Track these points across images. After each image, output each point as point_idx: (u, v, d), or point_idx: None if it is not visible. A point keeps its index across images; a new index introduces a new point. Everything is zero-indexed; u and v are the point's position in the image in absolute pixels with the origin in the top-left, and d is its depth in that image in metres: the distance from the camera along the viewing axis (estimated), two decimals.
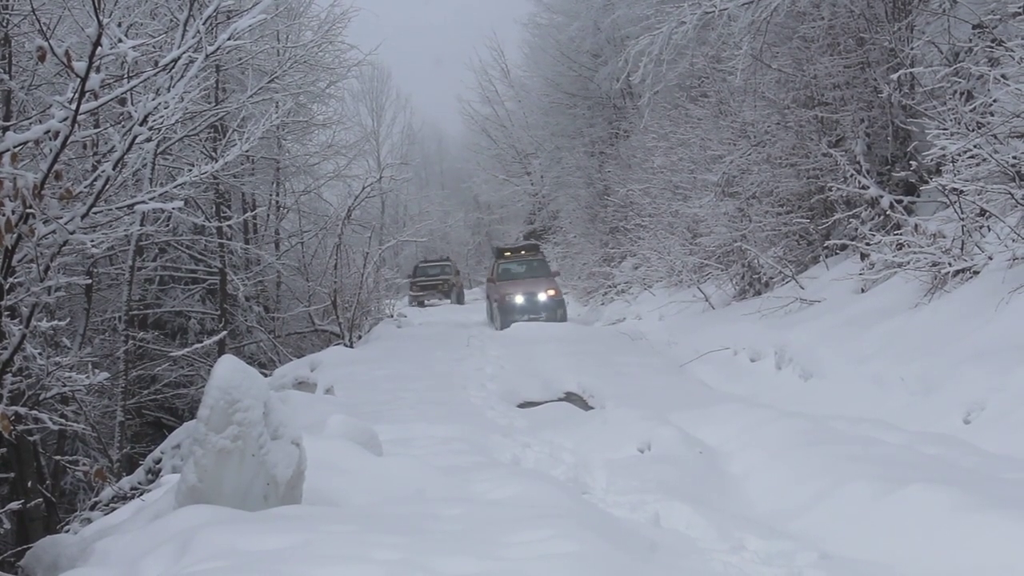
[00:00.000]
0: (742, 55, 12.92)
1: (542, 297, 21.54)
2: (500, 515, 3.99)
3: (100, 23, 5.06)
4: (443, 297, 31.20)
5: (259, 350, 19.22)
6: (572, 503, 4.66)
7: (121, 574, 3.28)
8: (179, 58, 6.04)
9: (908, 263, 9.38)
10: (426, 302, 30.38)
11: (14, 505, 7.58)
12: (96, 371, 7.44)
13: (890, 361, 8.20)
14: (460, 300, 31.52)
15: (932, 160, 9.58)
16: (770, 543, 4.47)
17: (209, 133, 15.91)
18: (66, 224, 5.75)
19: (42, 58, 5.08)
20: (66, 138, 5.29)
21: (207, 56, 6.10)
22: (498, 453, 6.69)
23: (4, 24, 10.11)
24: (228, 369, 3.82)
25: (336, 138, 21.64)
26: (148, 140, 6.63)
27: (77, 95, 5.16)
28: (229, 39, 6.13)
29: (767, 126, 14.19)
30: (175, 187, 8.36)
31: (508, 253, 24.34)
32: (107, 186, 6.21)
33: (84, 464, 7.52)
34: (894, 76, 11.13)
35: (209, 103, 15.07)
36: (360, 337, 17.01)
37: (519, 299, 21.44)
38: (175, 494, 3.93)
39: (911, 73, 10.97)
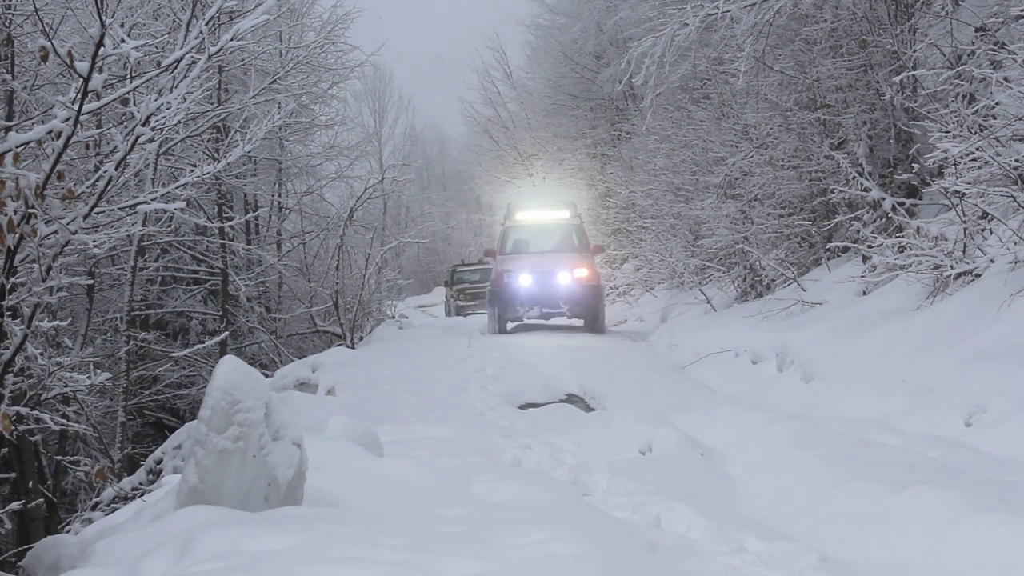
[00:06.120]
0: (744, 57, 12.92)
1: (564, 279, 13.95)
2: (501, 516, 3.99)
3: (103, 23, 5.07)
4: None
5: (261, 351, 19.25)
6: (573, 505, 4.66)
7: (122, 574, 3.28)
8: (182, 59, 6.04)
9: (910, 266, 9.38)
10: (469, 312, 26.01)
11: (15, 505, 7.59)
12: (97, 371, 7.44)
13: (891, 363, 8.20)
14: None
15: (934, 163, 9.58)
16: (771, 545, 4.47)
17: (211, 134, 15.94)
18: (68, 224, 5.75)
19: (45, 58, 5.09)
20: (68, 138, 5.30)
21: (210, 57, 6.11)
22: (499, 454, 6.69)
23: (7, 24, 10.14)
24: (229, 370, 3.82)
25: (338, 139, 21.70)
26: (150, 141, 6.63)
27: (80, 95, 5.17)
28: (232, 40, 6.14)
29: (769, 128, 14.20)
30: (177, 188, 8.38)
31: (525, 214, 16.25)
32: (109, 186, 6.22)
33: (85, 464, 7.53)
34: (896, 79, 11.13)
35: (211, 104, 15.10)
36: (362, 338, 17.01)
37: (525, 280, 13.96)
38: (176, 495, 3.93)
39: (913, 76, 10.96)
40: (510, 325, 15.19)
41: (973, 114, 8.92)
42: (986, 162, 8.48)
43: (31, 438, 8.86)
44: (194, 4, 6.79)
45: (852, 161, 11.92)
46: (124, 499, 8.25)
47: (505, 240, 15.79)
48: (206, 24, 5.91)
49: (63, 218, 5.71)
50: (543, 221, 16.26)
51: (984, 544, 4.01)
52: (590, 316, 14.38)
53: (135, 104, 6.36)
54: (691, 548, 4.42)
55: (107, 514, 7.05)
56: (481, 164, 38.87)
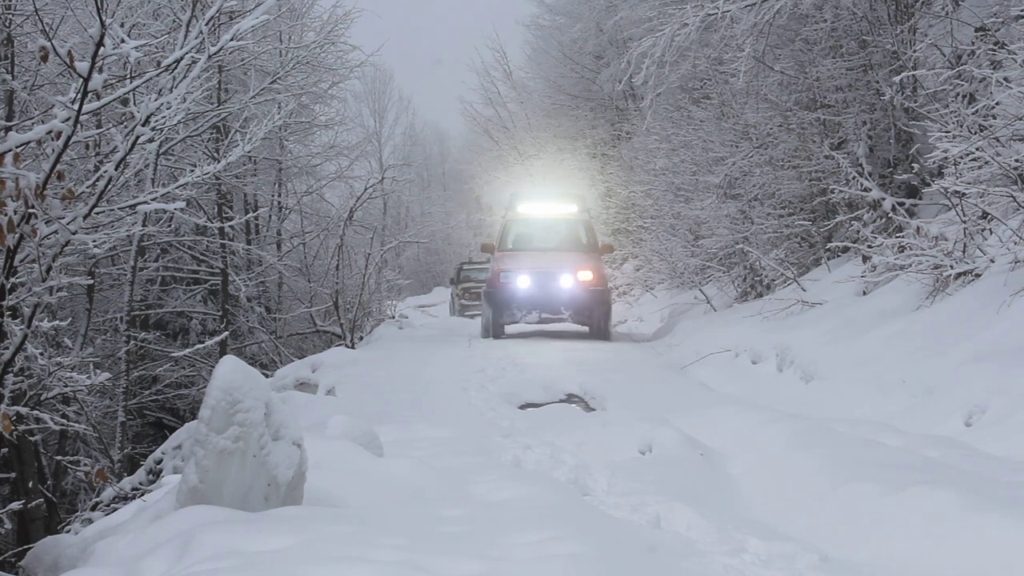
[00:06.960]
0: (744, 57, 12.92)
1: (566, 282, 13.04)
2: (501, 516, 3.99)
3: (103, 23, 5.07)
4: None
5: (260, 351, 19.26)
6: (573, 505, 4.67)
7: (122, 574, 3.28)
8: (182, 59, 6.05)
9: (910, 265, 9.38)
10: (475, 312, 23.99)
11: (15, 505, 7.60)
12: (97, 371, 7.44)
13: (891, 363, 8.19)
14: None
15: (934, 163, 9.57)
16: (770, 545, 4.47)
17: (211, 134, 15.97)
18: (68, 224, 5.76)
19: (44, 58, 5.10)
20: (68, 138, 5.30)
21: (210, 57, 6.12)
22: (499, 454, 6.69)
23: (7, 24, 10.15)
24: (229, 370, 3.82)
25: (338, 139, 21.74)
26: (150, 141, 6.64)
27: (79, 95, 5.17)
28: (232, 40, 6.15)
29: (769, 128, 14.19)
30: (177, 187, 8.38)
31: (529, 206, 14.89)
32: (109, 186, 6.23)
33: (85, 464, 7.52)
34: (896, 79, 11.13)
35: (211, 104, 15.13)
36: (362, 338, 17.02)
37: (523, 282, 13.05)
38: (176, 495, 3.93)
39: (913, 76, 10.96)
40: (508, 328, 14.53)
41: (973, 114, 8.91)
42: (986, 162, 8.47)
43: (31, 438, 8.87)
44: (194, 4, 6.79)
45: (852, 161, 11.91)
46: (124, 499, 8.26)
47: (505, 234, 14.42)
48: (206, 24, 5.91)
49: (63, 218, 5.71)
50: (548, 215, 14.81)
51: (984, 544, 4.01)
52: (594, 323, 13.55)
53: (135, 104, 6.36)
54: (691, 548, 4.42)
55: (107, 514, 7.06)
56: (481, 164, 38.88)
